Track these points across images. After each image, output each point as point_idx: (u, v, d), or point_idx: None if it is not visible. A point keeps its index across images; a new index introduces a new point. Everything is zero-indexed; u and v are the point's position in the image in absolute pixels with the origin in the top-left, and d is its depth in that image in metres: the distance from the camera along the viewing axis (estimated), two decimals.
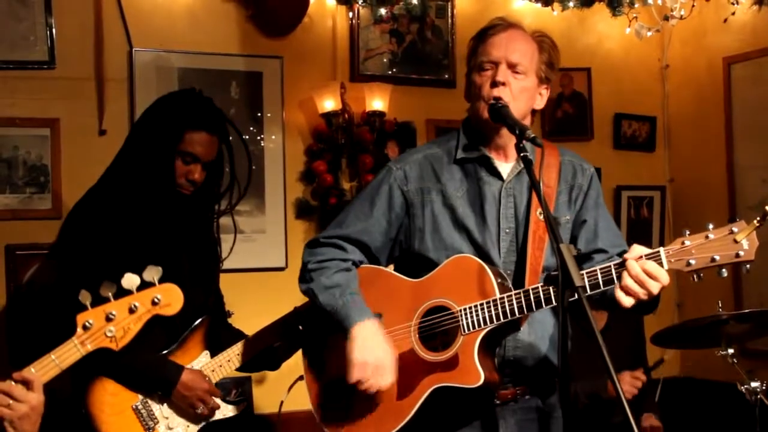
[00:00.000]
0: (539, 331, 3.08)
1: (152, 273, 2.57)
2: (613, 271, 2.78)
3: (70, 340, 2.52)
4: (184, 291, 3.49)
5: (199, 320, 3.58)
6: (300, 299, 3.44)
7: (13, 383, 2.49)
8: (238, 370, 3.69)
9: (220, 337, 3.68)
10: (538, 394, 3.14)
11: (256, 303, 4.68)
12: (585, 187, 3.17)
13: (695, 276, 2.74)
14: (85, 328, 2.52)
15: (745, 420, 4.49)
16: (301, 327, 3.63)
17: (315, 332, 3.25)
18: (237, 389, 4.21)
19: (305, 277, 3.18)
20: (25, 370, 2.52)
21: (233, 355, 3.61)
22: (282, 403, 4.03)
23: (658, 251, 2.75)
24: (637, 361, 5.01)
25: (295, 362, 3.37)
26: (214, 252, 3.79)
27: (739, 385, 4.38)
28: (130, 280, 2.54)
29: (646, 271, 2.71)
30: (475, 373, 2.89)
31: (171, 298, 2.61)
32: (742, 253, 2.68)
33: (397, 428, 2.98)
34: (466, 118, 3.18)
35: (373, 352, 2.95)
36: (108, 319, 2.53)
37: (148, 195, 3.47)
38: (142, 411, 3.43)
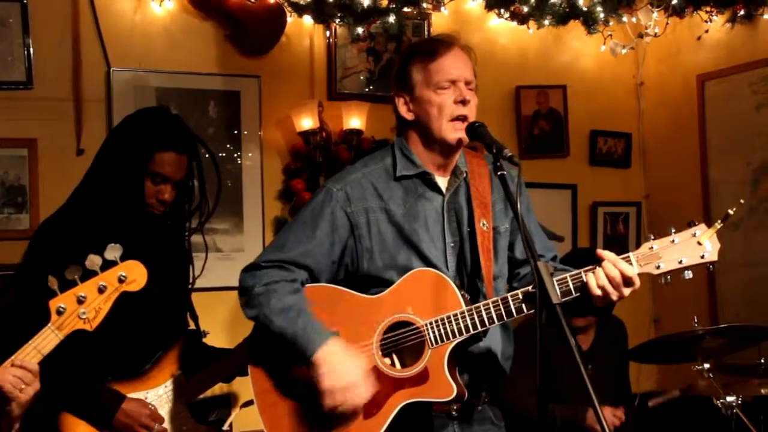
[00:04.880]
0: (492, 343, 3.10)
1: (113, 251, 2.60)
2: (584, 276, 2.83)
3: (46, 327, 2.57)
4: (154, 311, 3.49)
5: (174, 340, 3.58)
6: None
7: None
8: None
9: (194, 357, 3.68)
10: (491, 404, 3.18)
11: (234, 322, 4.68)
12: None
13: (663, 279, 2.84)
14: (59, 313, 2.56)
15: None
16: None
17: (265, 358, 3.13)
18: (216, 410, 4.19)
19: (252, 302, 3.05)
20: (20, 359, 2.54)
21: (206, 377, 3.61)
22: (231, 425, 3.99)
23: (628, 256, 2.83)
24: (622, 384, 5.03)
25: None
26: (185, 271, 3.78)
27: (715, 399, 4.42)
28: (92, 261, 2.57)
29: (622, 272, 2.78)
30: (447, 386, 2.90)
31: (135, 275, 2.65)
32: (706, 255, 2.81)
33: None
34: (400, 135, 3.18)
35: (343, 376, 2.88)
36: (79, 302, 2.57)
37: (117, 216, 3.46)
38: None
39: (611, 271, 2.79)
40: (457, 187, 3.12)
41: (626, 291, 2.82)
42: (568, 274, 2.87)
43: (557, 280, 2.84)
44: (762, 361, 4.67)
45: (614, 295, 2.81)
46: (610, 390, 4.79)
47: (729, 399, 4.38)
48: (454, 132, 3.01)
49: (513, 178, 3.04)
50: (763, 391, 4.61)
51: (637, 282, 2.82)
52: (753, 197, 5.83)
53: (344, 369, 2.90)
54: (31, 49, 5.00)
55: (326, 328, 2.97)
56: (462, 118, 3.00)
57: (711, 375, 4.46)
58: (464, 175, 3.13)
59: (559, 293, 2.80)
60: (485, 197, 3.12)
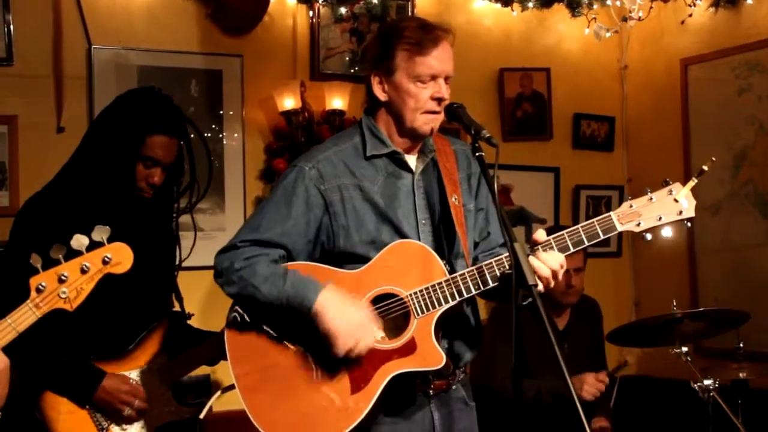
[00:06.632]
0: (468, 313, 3.16)
1: (101, 233, 2.57)
2: (496, 268, 2.95)
3: (24, 304, 2.53)
4: (139, 292, 3.48)
5: (158, 321, 3.57)
6: None
7: None
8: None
9: (178, 339, 3.67)
10: (463, 384, 3.21)
11: (217, 301, 4.66)
12: (478, 175, 3.22)
13: (644, 236, 2.99)
14: (38, 290, 2.52)
15: (698, 417, 4.56)
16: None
17: (244, 341, 3.08)
18: (195, 392, 4.19)
19: (233, 278, 3.02)
20: None
21: (189, 359, 3.60)
22: (211, 407, 3.99)
23: (610, 215, 2.95)
24: (598, 363, 5.06)
25: None
26: (171, 252, 3.77)
27: (692, 382, 4.44)
28: (79, 241, 2.54)
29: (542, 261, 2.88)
30: (436, 355, 2.93)
31: (121, 257, 2.61)
32: (683, 211, 2.97)
33: (357, 421, 2.92)
34: (368, 113, 3.19)
35: (349, 316, 2.88)
36: (60, 281, 2.53)
37: (106, 198, 3.44)
38: (96, 412, 3.41)
39: (543, 272, 2.87)
40: (426, 165, 3.15)
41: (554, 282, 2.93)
42: (484, 263, 2.96)
43: (486, 265, 2.94)
44: (741, 345, 4.69)
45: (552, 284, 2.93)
46: (587, 368, 4.80)
47: (706, 382, 4.41)
48: (427, 124, 3.05)
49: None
50: (741, 375, 4.64)
51: (560, 274, 2.91)
52: (734, 182, 5.84)
53: (348, 309, 2.92)
54: (12, 26, 4.95)
55: (317, 281, 2.95)
56: (436, 113, 3.04)
57: (689, 358, 4.48)
58: (432, 153, 3.16)
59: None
60: (453, 175, 3.15)
